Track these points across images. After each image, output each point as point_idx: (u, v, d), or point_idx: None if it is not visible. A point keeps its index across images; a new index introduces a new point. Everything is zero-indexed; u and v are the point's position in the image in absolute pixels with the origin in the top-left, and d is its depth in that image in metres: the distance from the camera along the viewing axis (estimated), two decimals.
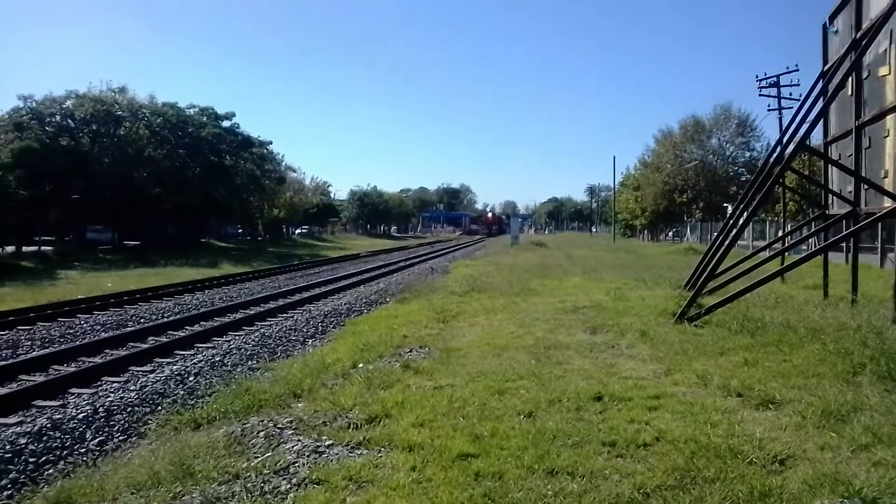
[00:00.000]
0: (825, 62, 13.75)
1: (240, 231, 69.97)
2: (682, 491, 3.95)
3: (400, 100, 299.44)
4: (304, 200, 75.73)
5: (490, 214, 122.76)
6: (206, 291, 20.15)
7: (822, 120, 12.77)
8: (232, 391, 7.29)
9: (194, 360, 9.92)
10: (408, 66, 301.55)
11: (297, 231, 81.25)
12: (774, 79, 40.11)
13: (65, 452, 6.29)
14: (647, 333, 9.17)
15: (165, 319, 13.87)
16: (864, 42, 10.60)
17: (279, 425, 5.64)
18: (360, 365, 8.03)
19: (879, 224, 13.23)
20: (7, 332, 12.38)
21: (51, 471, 5.85)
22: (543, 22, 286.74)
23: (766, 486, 3.94)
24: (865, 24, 11.03)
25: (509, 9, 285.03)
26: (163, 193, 43.65)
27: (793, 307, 10.60)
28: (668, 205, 61.94)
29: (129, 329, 12.63)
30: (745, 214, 13.87)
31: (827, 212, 14.03)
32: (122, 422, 7.15)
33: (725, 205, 46.35)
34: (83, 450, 6.39)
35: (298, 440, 5.23)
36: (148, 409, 7.54)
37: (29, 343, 11.47)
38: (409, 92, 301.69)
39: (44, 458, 6.10)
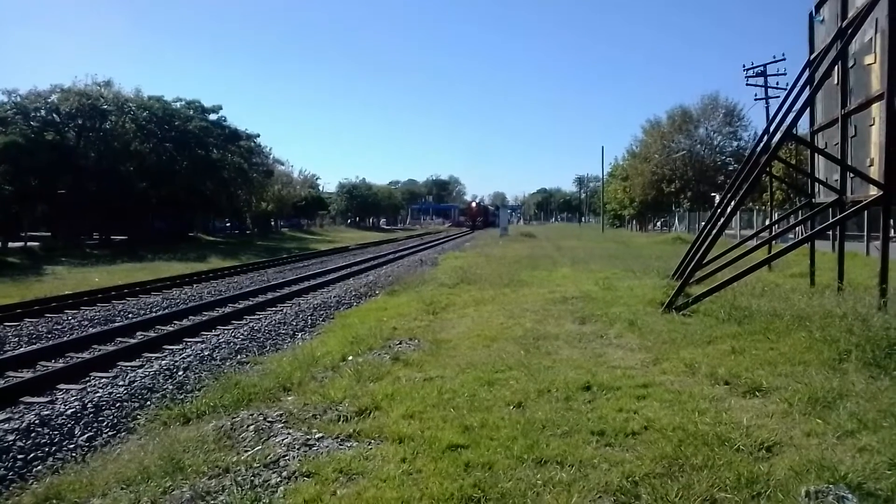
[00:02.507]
0: (811, 51, 13.80)
1: (228, 225, 69.56)
2: (670, 479, 3.98)
3: (388, 92, 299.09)
4: (292, 193, 75.39)
5: (474, 204, 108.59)
6: (195, 286, 20.05)
7: (808, 109, 12.85)
8: (221, 385, 7.27)
9: (183, 355, 9.87)
10: (396, 58, 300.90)
11: (282, 224, 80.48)
12: (761, 68, 40.14)
13: (53, 448, 6.26)
14: (635, 323, 9.22)
15: (154, 314, 13.80)
16: (849, 31, 10.64)
17: (269, 419, 5.63)
18: (350, 357, 8.03)
19: (865, 212, 13.33)
20: None
21: (39, 467, 5.81)
22: (532, 13, 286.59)
23: (753, 472, 3.98)
24: (851, 13, 11.07)
25: (498, 0, 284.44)
26: (150, 187, 43.31)
27: (780, 295, 10.67)
28: (656, 195, 62.16)
29: (116, 324, 12.56)
30: (732, 203, 13.94)
31: (813, 200, 14.11)
32: (111, 417, 7.12)
33: (713, 194, 46.49)
34: (72, 445, 6.36)
35: (288, 433, 5.22)
36: (137, 405, 7.50)
37: (16, 339, 11.38)
38: (397, 84, 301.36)
39: (32, 455, 6.06)
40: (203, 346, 10.57)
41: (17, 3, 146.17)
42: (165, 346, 10.56)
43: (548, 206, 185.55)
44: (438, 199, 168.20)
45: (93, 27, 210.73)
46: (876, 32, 9.92)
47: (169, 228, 48.50)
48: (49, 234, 40.48)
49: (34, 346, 10.59)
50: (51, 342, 10.89)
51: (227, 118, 52.34)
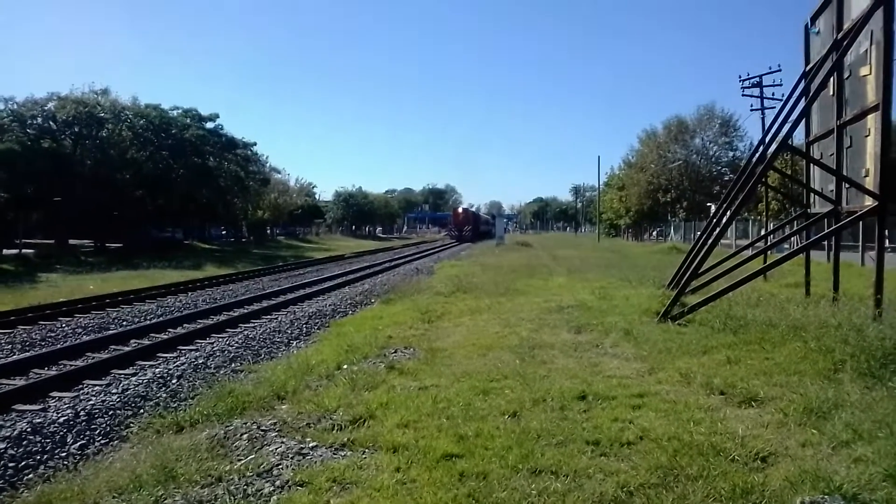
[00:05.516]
0: (807, 62, 13.86)
1: (224, 232, 69.48)
2: (665, 489, 3.96)
3: (384, 101, 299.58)
4: (288, 202, 75.47)
5: (460, 210, 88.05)
6: (190, 294, 20.00)
7: (804, 119, 12.88)
8: (215, 393, 7.23)
9: (177, 363, 9.84)
10: (393, 67, 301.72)
11: (278, 232, 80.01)
12: (757, 79, 40.33)
13: (45, 457, 6.22)
14: (631, 332, 9.21)
15: (148, 322, 13.76)
16: (845, 42, 10.69)
17: (263, 427, 5.59)
18: (345, 366, 8.00)
19: (860, 222, 13.38)
20: None
21: (31, 475, 5.77)
22: (529, 23, 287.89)
23: (748, 483, 3.96)
24: (846, 25, 11.12)
25: (495, 11, 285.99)
26: (146, 195, 43.29)
27: (775, 305, 10.67)
28: (652, 204, 62.44)
29: (111, 332, 12.50)
30: (728, 213, 13.96)
31: (809, 210, 14.13)
32: (104, 425, 7.08)
33: (709, 204, 46.65)
34: (64, 454, 6.32)
35: (282, 442, 5.19)
36: (130, 413, 7.47)
37: (9, 346, 11.33)
38: (393, 93, 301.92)
39: (24, 463, 6.02)
40: (197, 353, 10.53)
41: (15, 9, 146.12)
42: (159, 354, 10.52)
43: (544, 215, 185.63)
44: (435, 207, 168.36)
45: (90, 37, 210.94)
46: (871, 44, 9.97)
47: (165, 236, 48.42)
48: (44, 241, 40.32)
49: (27, 354, 10.53)
50: (44, 349, 10.85)
51: (224, 126, 52.48)
